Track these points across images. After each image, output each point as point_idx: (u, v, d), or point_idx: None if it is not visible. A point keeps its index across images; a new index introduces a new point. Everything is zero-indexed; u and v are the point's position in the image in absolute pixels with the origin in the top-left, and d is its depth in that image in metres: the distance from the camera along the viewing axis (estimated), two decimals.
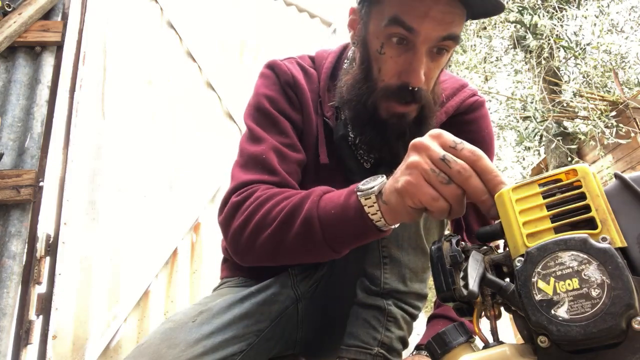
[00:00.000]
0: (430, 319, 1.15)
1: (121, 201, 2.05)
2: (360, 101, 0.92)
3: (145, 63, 2.37)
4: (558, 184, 0.53)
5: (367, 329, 0.93)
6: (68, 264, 1.83)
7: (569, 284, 0.46)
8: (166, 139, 2.30)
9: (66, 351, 1.73)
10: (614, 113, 4.83)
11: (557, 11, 5.09)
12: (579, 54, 5.13)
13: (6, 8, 2.09)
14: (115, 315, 1.88)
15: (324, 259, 0.84)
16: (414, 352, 0.94)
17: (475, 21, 5.66)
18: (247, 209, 0.86)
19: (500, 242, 0.60)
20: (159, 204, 2.15)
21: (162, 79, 2.40)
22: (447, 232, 1.12)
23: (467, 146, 0.62)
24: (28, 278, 1.82)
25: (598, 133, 4.71)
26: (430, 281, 0.72)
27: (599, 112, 4.72)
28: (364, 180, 0.74)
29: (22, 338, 1.74)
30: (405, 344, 0.97)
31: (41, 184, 1.93)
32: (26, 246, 1.85)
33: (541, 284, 0.48)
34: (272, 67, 1.06)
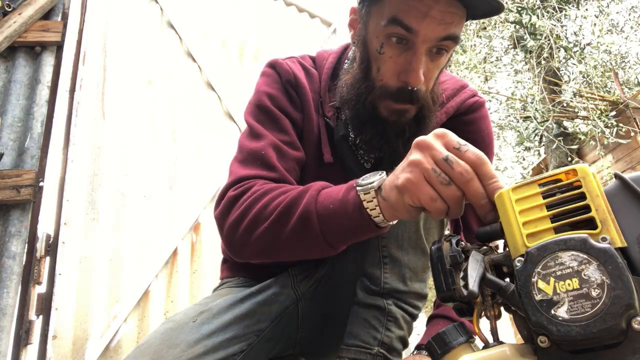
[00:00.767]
0: (430, 319, 1.15)
1: (121, 201, 2.05)
2: (359, 100, 0.92)
3: (145, 63, 2.37)
4: (558, 184, 0.53)
5: (367, 329, 0.93)
6: (68, 264, 1.83)
7: (569, 284, 0.46)
8: (166, 139, 2.30)
9: (66, 351, 1.73)
10: (613, 113, 4.83)
11: (556, 11, 5.09)
12: (579, 54, 5.13)
13: (6, 8, 2.09)
14: (115, 315, 1.88)
15: (320, 255, 0.84)
16: (414, 352, 0.94)
17: (475, 21, 5.66)
18: (243, 203, 0.85)
19: (500, 242, 0.60)
20: (159, 204, 2.15)
21: (162, 79, 2.40)
22: (447, 232, 1.12)
23: (471, 149, 0.62)
24: (28, 278, 1.82)
25: (598, 133, 4.71)
26: (430, 281, 0.72)
27: (598, 112, 4.72)
28: (364, 176, 0.74)
29: (22, 338, 1.74)
30: (405, 344, 0.97)
31: (41, 184, 1.93)
32: (26, 246, 1.85)
33: (541, 284, 0.48)
34: (273, 65, 1.07)
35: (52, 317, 1.74)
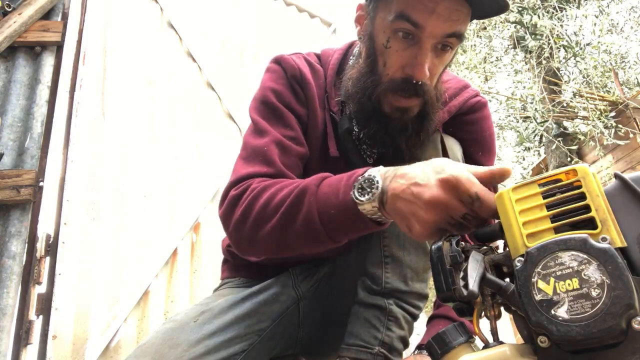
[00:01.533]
0: (430, 320, 1.15)
1: (121, 201, 2.05)
2: (365, 94, 0.92)
3: (145, 63, 2.37)
4: (558, 184, 0.53)
5: (368, 328, 0.93)
6: (68, 264, 1.83)
7: (569, 284, 0.46)
8: (166, 139, 2.30)
9: (66, 351, 1.73)
10: (613, 113, 4.83)
11: (557, 11, 5.08)
12: (579, 54, 5.13)
13: (6, 8, 2.09)
14: (115, 315, 1.88)
15: (326, 249, 0.85)
16: (415, 352, 0.94)
17: (475, 21, 5.66)
18: (244, 202, 0.86)
19: (500, 242, 0.60)
20: (159, 204, 2.15)
21: (162, 79, 2.40)
22: None
23: (485, 203, 0.60)
24: (28, 278, 1.82)
25: (597, 133, 4.71)
26: (431, 281, 0.72)
27: (598, 112, 4.72)
28: (359, 183, 0.73)
29: (22, 338, 1.74)
30: (406, 344, 0.98)
31: (41, 184, 1.93)
32: (26, 246, 1.85)
33: (541, 284, 0.48)
34: (279, 61, 1.07)
35: (52, 317, 1.74)
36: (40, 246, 1.86)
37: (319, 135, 1.03)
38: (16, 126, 1.99)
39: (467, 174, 0.62)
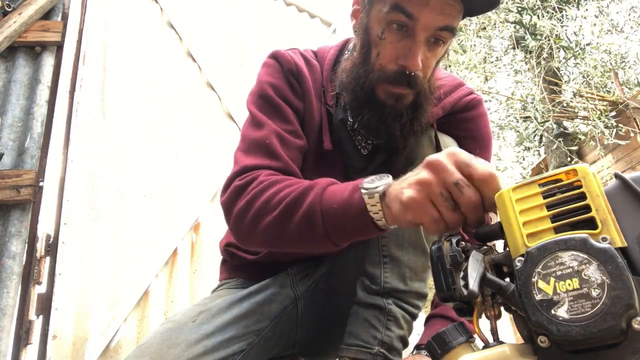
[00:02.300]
0: (428, 319, 1.15)
1: (121, 201, 2.05)
2: (358, 84, 0.93)
3: (145, 63, 2.37)
4: (558, 184, 0.53)
5: (368, 328, 0.93)
6: (68, 264, 1.83)
7: (569, 284, 0.46)
8: (166, 139, 2.30)
9: (66, 351, 1.73)
10: (613, 113, 4.83)
11: (556, 11, 5.08)
12: (579, 54, 5.13)
13: (6, 8, 2.09)
14: (115, 315, 1.88)
15: (323, 251, 0.85)
16: (414, 352, 0.94)
17: (475, 21, 5.66)
18: (249, 193, 0.86)
19: (500, 242, 0.60)
20: (159, 204, 2.15)
21: (162, 79, 2.40)
22: None
23: (481, 165, 0.62)
24: (28, 278, 1.82)
25: (598, 133, 4.71)
26: (430, 281, 0.72)
27: (598, 112, 4.72)
28: (370, 178, 0.74)
29: (22, 338, 1.74)
30: (405, 343, 0.98)
31: (41, 184, 1.93)
32: (26, 246, 1.85)
33: (541, 284, 0.48)
34: (275, 56, 1.08)
35: (52, 317, 1.74)
36: (40, 246, 1.86)
37: (315, 129, 1.03)
38: (16, 126, 1.99)
39: (464, 151, 0.64)
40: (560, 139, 5.20)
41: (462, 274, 0.54)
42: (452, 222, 0.62)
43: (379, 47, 0.90)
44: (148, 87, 2.33)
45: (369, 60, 0.92)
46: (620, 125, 4.74)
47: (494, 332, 0.55)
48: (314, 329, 1.10)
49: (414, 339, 1.12)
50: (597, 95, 4.90)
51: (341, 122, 1.02)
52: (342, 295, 1.06)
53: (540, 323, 0.47)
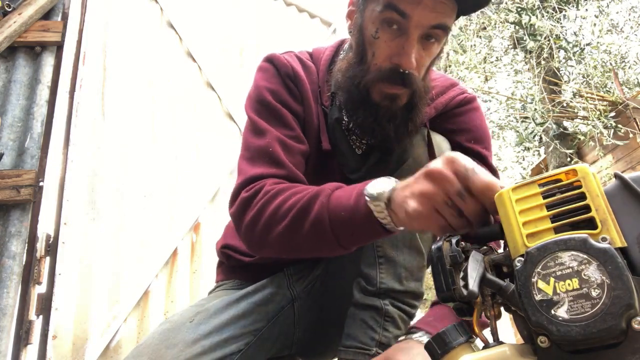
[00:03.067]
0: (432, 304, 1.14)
1: (121, 201, 2.05)
2: (353, 83, 0.94)
3: (145, 63, 2.37)
4: (558, 184, 0.53)
5: (365, 330, 0.93)
6: (68, 264, 1.83)
7: (569, 284, 0.46)
8: (166, 139, 2.30)
9: (66, 351, 1.73)
10: (613, 113, 4.83)
11: (556, 12, 5.08)
12: (579, 54, 5.13)
13: (6, 8, 2.09)
14: (115, 315, 1.88)
15: (334, 254, 0.85)
16: (403, 337, 0.94)
17: (475, 21, 5.65)
18: (256, 204, 0.87)
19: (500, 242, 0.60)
20: (159, 204, 2.15)
21: (162, 79, 2.40)
22: None
23: (479, 174, 0.62)
24: (28, 278, 1.82)
25: (597, 133, 4.71)
26: (430, 281, 0.73)
27: (598, 112, 4.72)
28: (373, 183, 0.74)
29: (22, 338, 1.74)
30: None
31: (41, 184, 1.93)
32: (26, 246, 1.85)
33: (541, 284, 0.48)
34: (271, 60, 1.07)
35: (52, 317, 1.74)
36: (40, 246, 1.86)
37: (315, 131, 1.03)
38: (16, 126, 1.99)
39: (463, 156, 0.64)
40: (558, 140, 5.20)
41: (462, 274, 0.54)
42: (459, 227, 0.63)
43: (373, 47, 0.91)
44: (148, 87, 2.33)
45: (365, 60, 0.92)
46: (620, 125, 4.74)
47: (494, 332, 0.55)
48: (311, 329, 1.10)
49: None
50: (597, 95, 4.90)
51: (336, 121, 1.02)
52: (338, 296, 1.06)
53: (540, 323, 0.47)
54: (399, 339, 0.92)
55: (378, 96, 0.92)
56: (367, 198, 0.73)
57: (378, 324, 0.93)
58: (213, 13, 2.76)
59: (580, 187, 0.51)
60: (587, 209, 0.50)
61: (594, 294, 0.45)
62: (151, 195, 2.14)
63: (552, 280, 0.47)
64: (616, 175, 0.52)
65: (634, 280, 0.45)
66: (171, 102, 2.38)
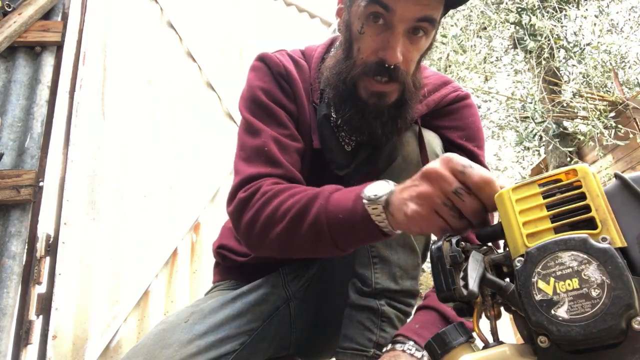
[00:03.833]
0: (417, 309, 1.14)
1: (121, 201, 2.05)
2: (340, 79, 0.94)
3: (145, 63, 2.37)
4: (558, 184, 0.53)
5: (362, 331, 0.93)
6: (68, 264, 1.83)
7: (569, 284, 0.46)
8: (166, 139, 2.30)
9: (66, 351, 1.73)
10: (613, 113, 4.83)
11: (556, 12, 5.08)
12: (579, 54, 5.13)
13: (6, 8, 2.09)
14: (115, 315, 1.88)
15: (332, 256, 0.85)
16: (389, 347, 0.92)
17: (475, 21, 5.65)
18: (254, 205, 0.87)
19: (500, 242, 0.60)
20: (159, 204, 2.15)
21: (162, 79, 2.40)
22: None
23: (476, 170, 0.62)
24: (28, 278, 1.82)
25: (597, 133, 4.71)
26: (428, 281, 0.73)
27: (598, 112, 4.72)
28: (370, 186, 0.74)
29: (22, 338, 1.74)
30: None
31: (41, 184, 1.93)
32: (26, 246, 1.85)
33: (541, 284, 0.48)
34: (263, 59, 1.08)
35: (52, 317, 1.74)
36: (40, 246, 1.86)
37: (307, 129, 1.03)
38: (16, 126, 1.99)
39: (460, 156, 0.64)
40: (558, 140, 5.20)
41: (462, 274, 0.54)
42: (458, 228, 0.63)
43: (359, 42, 0.90)
44: (148, 87, 2.33)
45: (351, 55, 0.92)
46: (620, 125, 4.73)
47: (494, 332, 0.55)
48: (309, 329, 1.10)
49: None
50: (597, 95, 4.90)
51: (325, 117, 1.02)
52: (334, 296, 1.06)
53: (540, 323, 0.47)
54: (384, 349, 0.91)
55: (365, 93, 0.92)
56: (365, 201, 0.73)
57: (375, 325, 0.93)
58: (213, 13, 2.76)
59: (580, 187, 0.51)
60: (587, 209, 0.50)
61: (594, 294, 0.45)
62: (151, 195, 2.14)
63: (552, 280, 0.47)
64: (616, 175, 0.52)
65: (634, 280, 0.45)
66: (171, 102, 2.38)
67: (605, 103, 4.90)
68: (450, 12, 1.09)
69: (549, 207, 0.52)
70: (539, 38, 4.91)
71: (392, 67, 0.88)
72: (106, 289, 1.90)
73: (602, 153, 4.97)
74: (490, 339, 0.54)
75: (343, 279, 1.01)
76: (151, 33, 2.46)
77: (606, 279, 0.45)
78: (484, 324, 0.55)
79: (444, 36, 5.04)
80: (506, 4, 5.25)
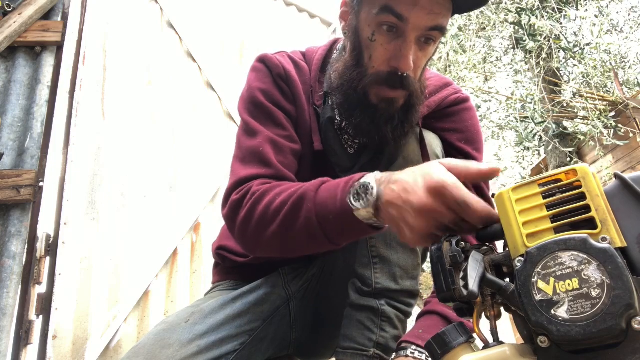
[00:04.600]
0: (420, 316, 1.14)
1: (121, 201, 2.05)
2: (351, 86, 0.93)
3: (145, 63, 2.37)
4: (558, 184, 0.53)
5: (362, 331, 0.93)
6: (68, 264, 1.83)
7: (569, 284, 0.47)
8: (166, 139, 2.30)
9: (66, 351, 1.73)
10: (613, 113, 4.83)
11: (556, 12, 5.08)
12: (579, 55, 5.13)
13: (6, 8, 2.09)
14: (115, 315, 1.88)
15: (328, 249, 0.86)
16: (393, 356, 0.91)
17: (475, 21, 5.66)
18: (245, 206, 0.88)
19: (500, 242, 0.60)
20: (159, 204, 2.15)
21: (162, 79, 2.40)
22: None
23: (472, 205, 0.60)
24: (28, 278, 1.82)
25: (597, 133, 4.71)
26: (428, 281, 0.73)
27: (598, 112, 4.72)
28: (354, 191, 0.73)
29: (22, 338, 1.74)
30: None
31: (41, 184, 1.93)
32: (26, 246, 1.85)
33: (541, 284, 0.48)
34: (263, 60, 1.08)
35: (52, 317, 1.74)
36: (40, 246, 1.86)
37: (307, 131, 1.04)
38: (16, 126, 1.99)
39: (453, 179, 0.62)
40: (556, 141, 5.20)
41: (462, 274, 0.54)
42: (460, 231, 0.63)
43: (370, 50, 0.90)
44: (148, 87, 2.33)
45: (362, 62, 0.92)
46: (620, 125, 4.73)
47: (494, 332, 0.55)
48: (308, 329, 1.10)
49: None
50: (597, 95, 4.90)
51: (328, 120, 1.02)
52: (334, 296, 1.06)
53: (540, 323, 0.47)
54: (390, 358, 0.92)
55: (375, 99, 0.92)
56: (352, 208, 0.72)
57: (375, 325, 0.93)
58: (213, 13, 2.76)
59: (580, 187, 0.51)
60: (587, 209, 0.50)
61: (594, 294, 0.45)
62: (151, 195, 2.15)
63: (552, 280, 0.47)
64: (616, 175, 0.52)
65: (634, 280, 0.45)
66: (171, 102, 2.38)
67: (605, 103, 4.90)
68: None
69: (549, 207, 0.52)
70: (539, 38, 4.91)
71: (404, 75, 0.88)
72: (106, 289, 1.90)
73: (602, 153, 4.97)
74: (490, 339, 0.54)
75: (342, 280, 1.02)
76: (151, 33, 2.46)
77: (606, 279, 0.45)
78: (484, 324, 0.56)
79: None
80: (505, 4, 5.25)
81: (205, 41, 2.64)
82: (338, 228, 0.77)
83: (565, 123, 5.51)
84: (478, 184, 1.08)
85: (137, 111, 2.25)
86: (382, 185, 0.70)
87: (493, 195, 0.58)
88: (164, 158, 2.25)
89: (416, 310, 1.04)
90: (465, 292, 0.53)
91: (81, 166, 2.00)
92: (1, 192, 1.82)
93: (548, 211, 0.52)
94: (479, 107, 5.95)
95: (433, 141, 1.03)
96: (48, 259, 1.87)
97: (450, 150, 1.07)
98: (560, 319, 0.46)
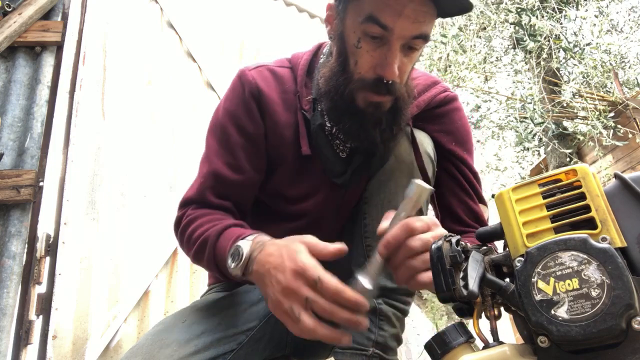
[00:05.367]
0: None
1: (121, 201, 2.05)
2: (337, 92, 0.94)
3: (145, 63, 2.37)
4: (558, 184, 0.53)
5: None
6: (68, 264, 1.83)
7: (569, 284, 0.47)
8: (166, 139, 2.30)
9: (66, 351, 1.73)
10: (613, 114, 4.83)
11: (556, 12, 5.08)
12: (579, 55, 5.13)
13: (6, 8, 2.09)
14: (115, 315, 1.88)
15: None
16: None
17: (475, 21, 5.65)
18: (179, 225, 1.02)
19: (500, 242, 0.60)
20: (159, 204, 2.15)
21: (162, 79, 2.40)
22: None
23: (327, 283, 0.71)
24: (28, 278, 1.82)
25: (597, 134, 4.71)
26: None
27: (598, 112, 4.72)
28: (231, 250, 0.84)
29: (22, 338, 1.74)
30: (399, 341, 0.98)
31: (41, 184, 1.93)
32: (26, 246, 1.85)
33: (541, 284, 0.48)
34: (240, 76, 1.09)
35: (52, 317, 1.74)
36: (40, 246, 1.86)
37: (289, 137, 1.04)
38: (16, 126, 1.99)
39: (312, 262, 0.73)
40: (556, 140, 5.20)
41: (461, 274, 0.54)
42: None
43: (356, 56, 0.91)
44: (148, 87, 2.33)
45: (347, 68, 0.93)
46: (620, 125, 4.73)
47: (494, 332, 0.55)
48: None
49: (413, 338, 1.12)
50: (597, 95, 4.90)
51: (319, 127, 1.02)
52: None
53: (540, 323, 0.47)
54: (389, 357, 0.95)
55: (363, 103, 0.93)
56: (231, 271, 0.83)
57: (373, 324, 0.93)
58: (213, 13, 2.76)
59: (580, 187, 0.51)
60: (587, 209, 0.50)
61: (594, 294, 0.45)
62: (151, 195, 2.14)
63: (552, 280, 0.47)
64: (616, 175, 0.52)
65: (634, 280, 0.45)
66: (171, 102, 2.38)
67: (605, 103, 4.90)
68: None
69: (549, 207, 0.52)
70: (539, 38, 4.91)
71: (390, 82, 0.89)
72: (106, 289, 1.90)
73: (602, 153, 4.97)
74: (490, 339, 0.54)
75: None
76: (151, 33, 2.46)
77: (606, 279, 0.45)
78: (484, 324, 0.56)
79: (444, 36, 5.04)
80: (506, 4, 5.25)
81: (205, 41, 2.64)
82: (229, 274, 0.86)
83: (565, 123, 5.51)
84: (467, 188, 1.09)
85: (137, 111, 2.25)
86: (256, 252, 0.80)
87: (493, 196, 0.58)
88: (164, 158, 2.25)
89: (413, 308, 1.04)
90: (465, 292, 0.53)
91: (81, 166, 2.00)
92: (1, 192, 1.82)
93: (548, 211, 0.52)
94: (479, 107, 5.95)
95: (424, 140, 1.04)
96: (48, 259, 1.87)
97: (442, 152, 1.08)
98: (560, 319, 0.46)
